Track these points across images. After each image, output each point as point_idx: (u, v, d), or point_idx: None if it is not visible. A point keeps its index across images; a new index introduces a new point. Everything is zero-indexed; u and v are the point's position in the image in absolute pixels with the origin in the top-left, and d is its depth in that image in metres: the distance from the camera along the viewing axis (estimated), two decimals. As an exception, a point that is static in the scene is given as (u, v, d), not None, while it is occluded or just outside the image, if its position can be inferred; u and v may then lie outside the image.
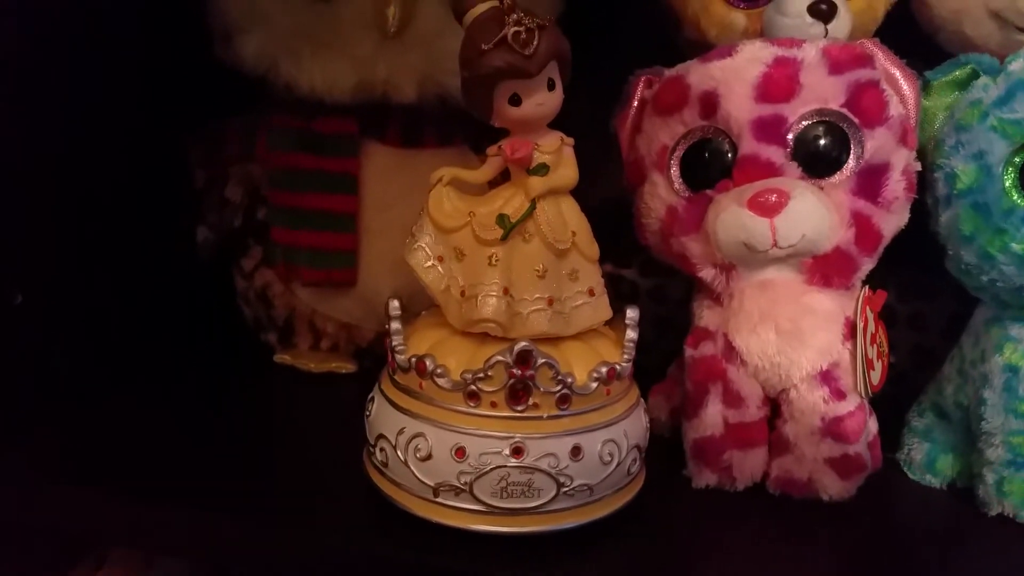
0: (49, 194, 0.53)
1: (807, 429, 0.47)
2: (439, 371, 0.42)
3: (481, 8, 0.41)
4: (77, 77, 0.54)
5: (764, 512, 0.48)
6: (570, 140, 0.44)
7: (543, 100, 0.42)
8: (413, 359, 0.43)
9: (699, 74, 0.49)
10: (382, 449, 0.44)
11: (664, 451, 0.50)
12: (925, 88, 0.50)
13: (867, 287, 0.48)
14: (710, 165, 0.49)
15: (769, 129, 0.47)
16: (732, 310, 0.48)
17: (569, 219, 0.44)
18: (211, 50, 0.58)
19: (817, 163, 0.48)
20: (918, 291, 0.57)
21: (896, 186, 0.48)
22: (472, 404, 0.42)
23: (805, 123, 0.48)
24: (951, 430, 0.51)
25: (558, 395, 0.42)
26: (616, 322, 0.46)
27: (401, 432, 0.43)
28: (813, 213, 0.47)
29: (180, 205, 0.62)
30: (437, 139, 0.59)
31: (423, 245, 0.44)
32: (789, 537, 0.46)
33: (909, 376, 0.54)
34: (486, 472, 0.41)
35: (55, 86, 0.53)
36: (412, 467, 0.42)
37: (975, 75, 0.48)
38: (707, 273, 0.49)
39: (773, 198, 0.46)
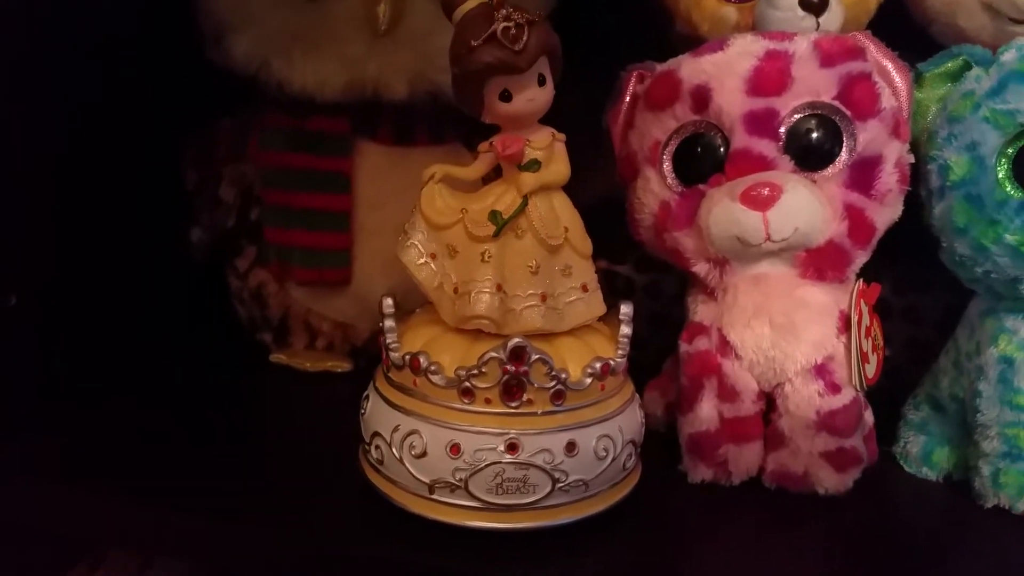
0: (43, 196, 0.53)
1: (802, 423, 0.47)
2: (433, 368, 0.42)
3: (470, 4, 0.41)
4: (70, 80, 0.54)
5: (760, 506, 0.48)
6: (561, 136, 0.44)
7: (534, 96, 0.42)
8: (407, 356, 0.43)
9: (691, 68, 0.49)
10: (377, 447, 0.44)
11: (660, 446, 0.50)
12: (918, 80, 0.50)
13: (861, 280, 0.48)
14: (702, 159, 0.49)
15: (761, 123, 0.47)
16: (726, 304, 0.48)
17: (561, 215, 0.44)
18: (203, 51, 0.58)
19: (809, 156, 0.48)
20: (913, 283, 0.57)
21: (889, 178, 0.48)
22: (466, 401, 0.42)
23: (797, 116, 0.48)
24: (947, 423, 0.51)
25: (552, 391, 0.42)
26: (610, 318, 0.45)
27: (396, 429, 0.43)
28: (806, 206, 0.47)
29: (173, 206, 0.62)
30: (429, 137, 0.59)
31: (416, 242, 0.44)
32: (785, 531, 0.46)
33: (904, 369, 0.54)
34: (481, 468, 0.41)
35: (50, 89, 0.53)
36: (407, 464, 0.42)
37: (967, 66, 0.48)
38: (701, 268, 0.49)
39: (766, 192, 0.46)
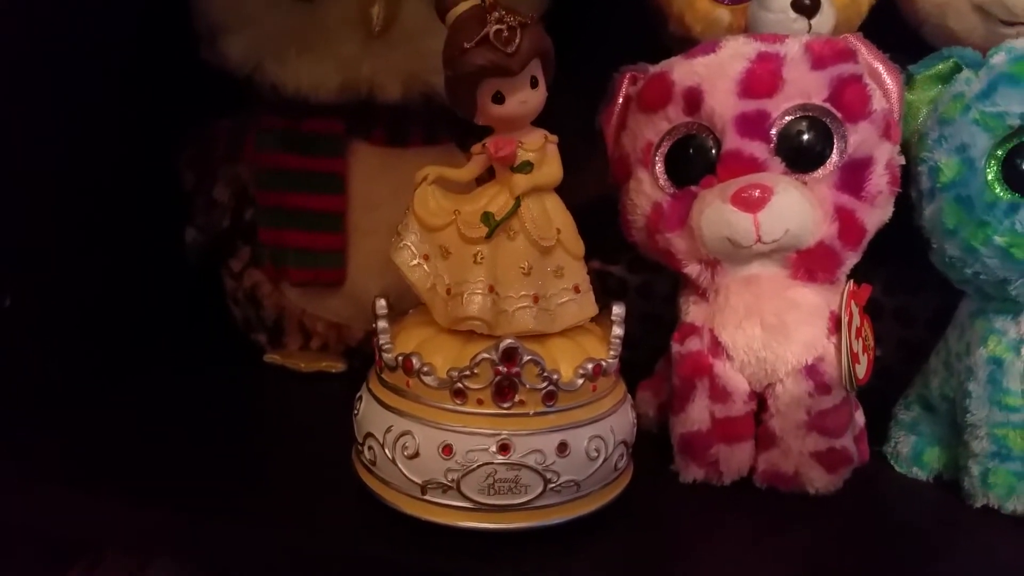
0: (38, 197, 0.53)
1: (793, 423, 0.47)
2: (425, 369, 0.42)
3: (463, 7, 0.41)
4: (66, 81, 0.54)
5: (751, 506, 0.48)
6: (554, 138, 0.44)
7: (526, 98, 0.42)
8: (400, 357, 0.43)
9: (683, 70, 0.49)
10: (370, 447, 0.44)
11: (652, 446, 0.50)
12: (908, 82, 0.50)
13: (852, 281, 0.49)
14: (694, 161, 0.49)
15: (752, 125, 0.47)
16: (718, 305, 0.48)
17: (554, 216, 0.44)
18: (197, 52, 0.58)
19: (800, 158, 0.48)
20: (903, 284, 0.57)
21: (879, 180, 0.48)
22: (459, 402, 0.42)
23: (788, 118, 0.48)
24: (937, 423, 0.52)
25: (544, 392, 0.42)
26: (602, 318, 0.46)
27: (389, 430, 0.43)
28: (796, 208, 0.47)
29: (169, 207, 0.62)
30: (423, 137, 0.59)
31: (409, 244, 0.44)
32: (776, 531, 0.46)
33: (895, 369, 0.54)
34: (473, 469, 0.41)
35: (45, 90, 0.53)
36: (400, 465, 0.43)
37: (958, 68, 0.48)
38: (692, 269, 0.49)
39: (756, 193, 0.46)
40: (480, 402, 0.42)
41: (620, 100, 0.52)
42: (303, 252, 0.58)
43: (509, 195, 0.43)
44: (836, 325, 0.47)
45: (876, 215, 0.49)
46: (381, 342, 0.44)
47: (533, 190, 0.43)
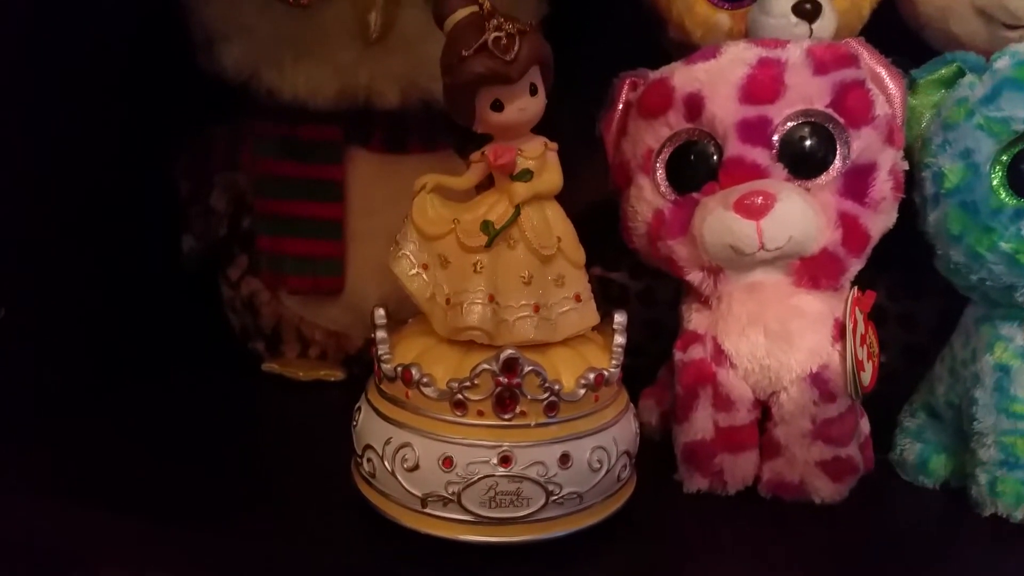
0: (34, 205, 0.53)
1: (798, 432, 0.47)
2: (425, 380, 0.42)
3: (462, 14, 0.41)
4: (61, 89, 0.54)
5: (756, 516, 0.47)
6: (554, 145, 0.43)
7: (525, 105, 0.42)
8: (399, 368, 0.43)
9: (683, 76, 0.49)
10: (369, 459, 0.44)
11: (655, 455, 0.49)
12: (911, 86, 0.49)
13: (856, 288, 0.48)
14: (696, 168, 0.49)
15: (754, 131, 0.47)
16: (720, 313, 0.48)
17: (554, 224, 0.43)
18: (194, 59, 0.57)
19: (803, 164, 0.47)
20: (908, 290, 0.56)
21: (883, 186, 0.48)
22: (459, 413, 0.41)
23: (790, 124, 0.47)
24: (943, 430, 0.51)
25: (545, 402, 0.41)
26: (604, 327, 0.45)
27: (388, 442, 0.42)
28: (800, 215, 0.46)
29: (165, 215, 0.61)
30: (422, 144, 0.59)
31: (407, 253, 0.44)
32: (781, 541, 0.46)
33: (900, 376, 0.54)
34: (474, 482, 0.41)
35: (41, 98, 0.53)
36: (399, 477, 0.42)
37: (961, 73, 0.48)
38: (695, 276, 0.49)
39: (759, 200, 0.46)
40: (481, 413, 0.41)
41: (620, 106, 0.52)
42: (301, 260, 0.58)
43: (509, 203, 0.42)
44: (840, 332, 0.47)
45: (880, 221, 0.48)
46: (380, 353, 0.43)
47: (533, 198, 0.43)
